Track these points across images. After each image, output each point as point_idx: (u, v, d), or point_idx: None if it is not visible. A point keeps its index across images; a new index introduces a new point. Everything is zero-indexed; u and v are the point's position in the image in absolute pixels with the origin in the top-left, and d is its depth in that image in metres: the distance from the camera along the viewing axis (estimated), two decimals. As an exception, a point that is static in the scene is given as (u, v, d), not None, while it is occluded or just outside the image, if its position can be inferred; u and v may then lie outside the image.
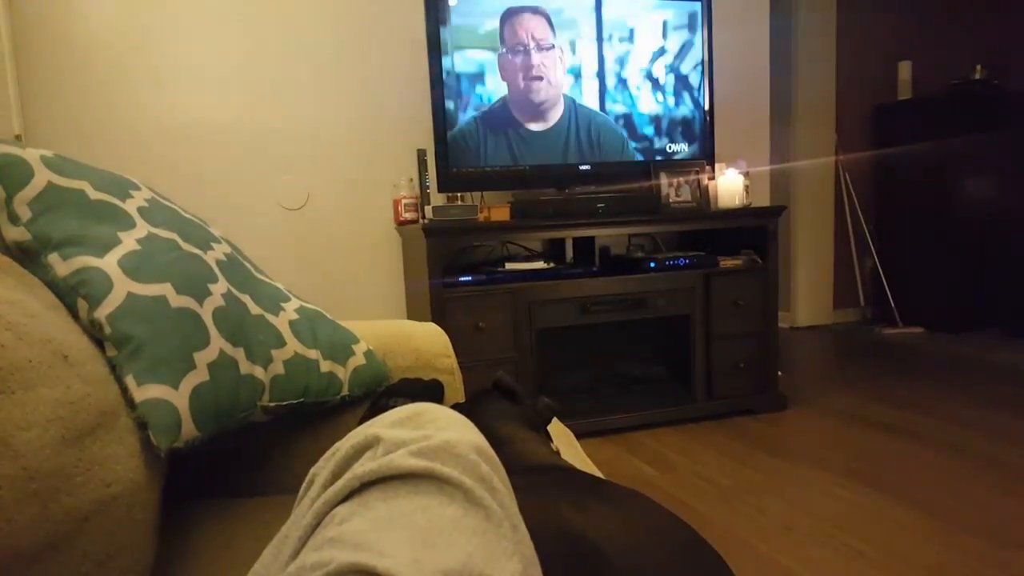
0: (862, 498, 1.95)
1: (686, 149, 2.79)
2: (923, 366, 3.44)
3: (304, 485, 0.52)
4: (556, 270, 2.55)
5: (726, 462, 2.28)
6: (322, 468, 0.50)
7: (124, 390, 0.69)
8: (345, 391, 0.99)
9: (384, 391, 1.02)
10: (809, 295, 4.67)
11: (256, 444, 1.01)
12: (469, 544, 0.41)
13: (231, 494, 0.98)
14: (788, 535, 1.76)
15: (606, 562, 0.51)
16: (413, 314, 2.70)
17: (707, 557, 0.60)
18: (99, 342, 0.72)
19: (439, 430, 0.48)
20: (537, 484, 0.67)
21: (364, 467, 0.46)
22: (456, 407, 1.00)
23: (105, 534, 0.57)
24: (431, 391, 1.06)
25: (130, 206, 0.85)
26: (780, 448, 2.41)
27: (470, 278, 2.40)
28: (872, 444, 2.39)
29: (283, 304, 0.98)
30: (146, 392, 0.70)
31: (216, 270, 0.89)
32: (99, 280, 0.77)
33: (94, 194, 0.81)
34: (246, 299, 0.92)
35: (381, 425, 0.50)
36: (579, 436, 2.58)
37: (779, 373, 2.81)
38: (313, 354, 0.94)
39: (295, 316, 0.97)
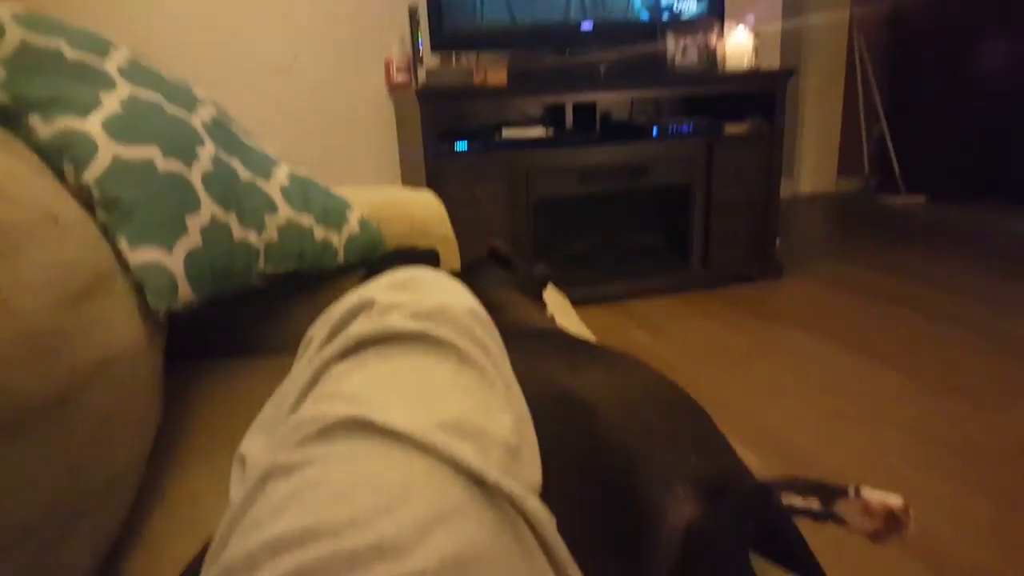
0: (850, 362, 2.01)
1: (694, 7, 2.64)
2: (923, 234, 3.45)
3: (302, 345, 0.53)
4: (555, 137, 2.49)
5: (719, 328, 2.34)
6: (319, 329, 0.51)
7: (118, 253, 0.70)
8: (341, 258, 0.99)
9: (379, 259, 1.02)
10: (813, 161, 4.60)
11: (256, 307, 1.02)
12: (464, 400, 0.42)
13: (233, 354, 1.01)
14: (775, 397, 1.83)
15: (596, 419, 0.53)
16: (407, 184, 2.66)
17: (694, 415, 0.62)
18: (89, 206, 0.71)
19: (433, 293, 0.49)
20: (531, 348, 0.68)
21: (360, 327, 0.46)
22: (451, 274, 1.01)
23: (110, 392, 0.58)
24: (426, 260, 1.06)
25: (110, 66, 0.81)
26: (773, 315, 2.46)
27: (466, 146, 2.35)
28: (865, 311, 2.43)
29: (273, 169, 0.96)
30: (140, 255, 0.70)
31: (203, 133, 0.87)
32: (84, 143, 0.75)
33: (71, 53, 0.77)
34: (235, 163, 0.90)
35: (376, 288, 0.50)
36: (575, 304, 2.62)
37: (777, 241, 2.82)
38: (307, 220, 0.94)
39: (286, 182, 0.95)
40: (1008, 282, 2.63)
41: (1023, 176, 4.09)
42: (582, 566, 0.40)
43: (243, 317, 1.03)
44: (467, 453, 0.37)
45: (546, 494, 0.44)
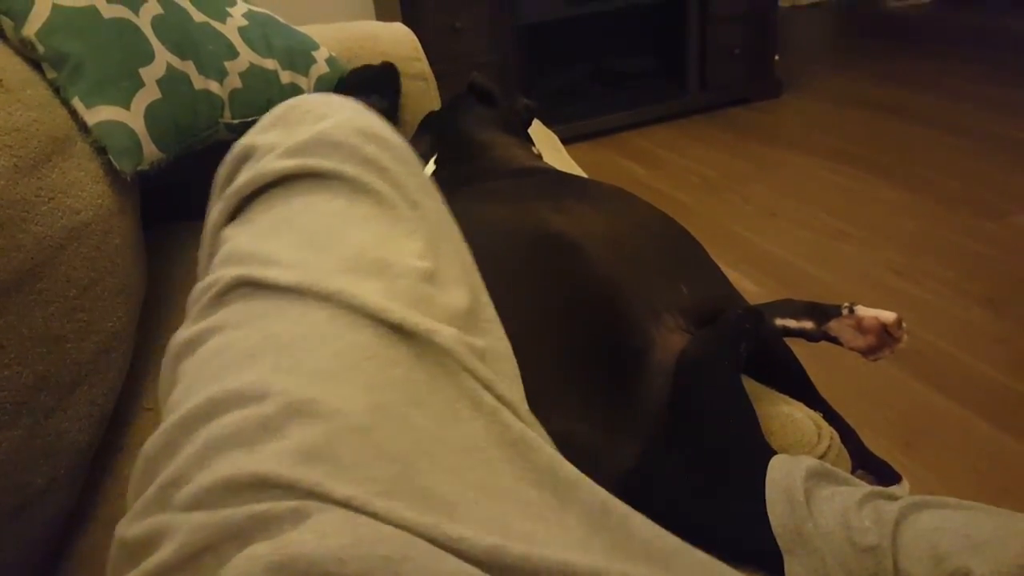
0: (850, 180, 1.99)
1: None
2: (928, 40, 3.28)
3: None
4: (538, -45, 2.30)
5: (715, 154, 2.29)
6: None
7: (73, 113, 0.66)
8: (313, 103, 0.94)
9: (336, 86, 0.95)
10: (815, -32, 4.29)
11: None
12: (360, 234, 0.39)
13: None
14: (772, 220, 1.82)
15: (584, 256, 0.52)
16: (382, 16, 2.49)
17: (685, 245, 0.61)
18: (36, 64, 0.67)
19: (316, 120, 0.43)
20: (517, 188, 0.66)
21: (238, 182, 0.42)
22: (431, 115, 0.96)
23: (84, 260, 0.57)
24: (385, 76, 0.99)
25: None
26: (771, 136, 2.39)
27: (442, -29, 2.17)
28: (867, 126, 2.36)
29: (228, 9, 0.88)
30: (97, 114, 0.67)
31: None
32: None
33: None
34: (185, 4, 0.83)
35: (255, 132, 0.45)
36: (567, 141, 2.55)
37: (776, 57, 2.69)
38: (270, 64, 0.88)
39: (244, 22, 0.88)
40: (1014, 86, 2.53)
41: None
42: (574, 405, 0.41)
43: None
44: (368, 294, 0.35)
45: (532, 337, 0.44)
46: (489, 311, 0.42)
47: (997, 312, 1.36)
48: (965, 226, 1.66)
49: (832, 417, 0.56)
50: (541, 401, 0.39)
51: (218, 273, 0.37)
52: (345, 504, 0.28)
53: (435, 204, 0.44)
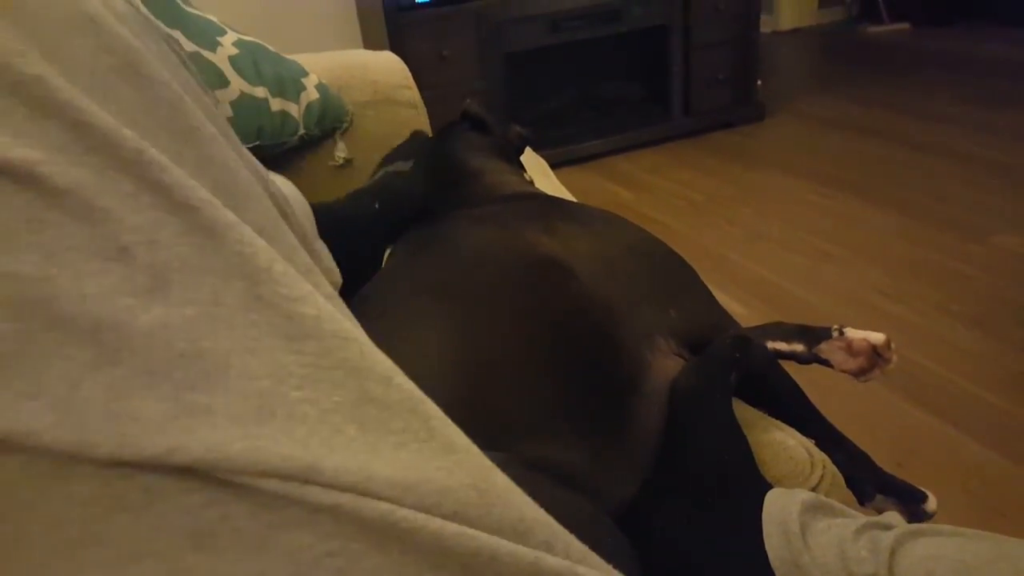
0: (835, 203, 2.01)
1: None
2: (909, 64, 3.34)
3: None
4: (523, -16, 2.33)
5: (701, 178, 2.31)
6: None
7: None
8: (302, 130, 0.94)
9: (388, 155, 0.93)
10: (794, -5, 4.38)
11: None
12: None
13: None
14: (758, 243, 1.84)
15: (574, 280, 0.52)
16: (369, 45, 2.52)
17: (675, 268, 0.61)
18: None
19: None
20: (508, 212, 0.66)
21: None
22: (423, 142, 0.96)
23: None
24: (414, 144, 0.97)
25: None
26: (756, 160, 2.42)
27: (429, -1, 2.20)
28: (850, 149, 2.40)
29: (219, 38, 0.89)
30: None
31: (137, 3, 0.80)
32: None
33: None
34: (177, 34, 0.84)
35: None
36: (555, 166, 2.56)
37: (759, 82, 2.73)
38: (261, 92, 0.88)
39: (235, 51, 0.89)
40: (993, 108, 2.58)
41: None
42: (568, 432, 0.40)
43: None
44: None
45: (524, 362, 0.44)
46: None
47: (984, 332, 1.37)
48: (950, 247, 1.68)
49: (839, 441, 0.56)
50: (535, 428, 0.39)
51: None
52: None
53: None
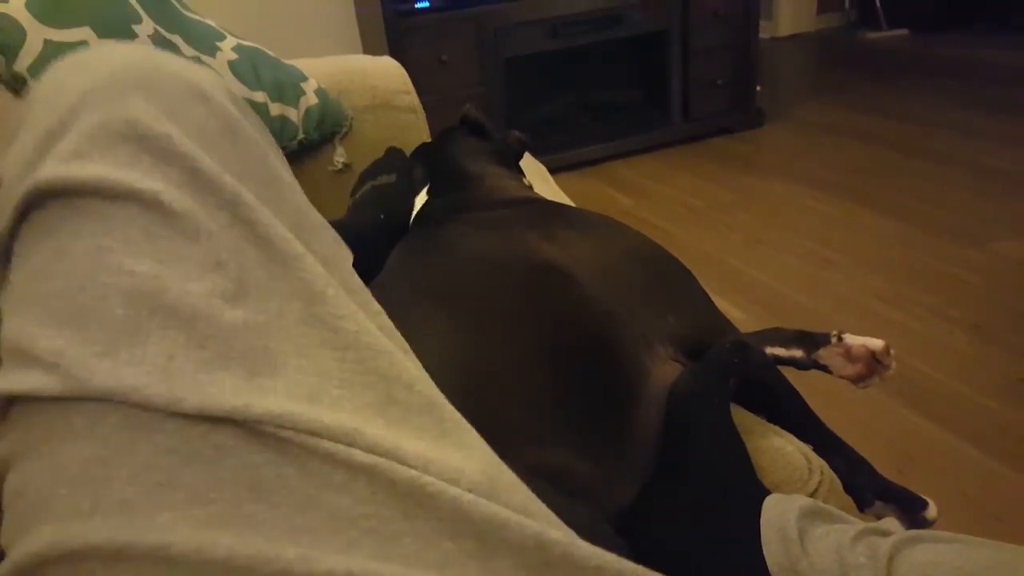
0: (833, 208, 2.01)
1: None
2: (907, 70, 3.35)
3: None
4: (522, -11, 2.33)
5: (700, 184, 2.31)
6: None
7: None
8: (301, 135, 0.94)
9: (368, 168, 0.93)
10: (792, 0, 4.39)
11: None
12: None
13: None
14: (757, 248, 1.84)
15: (575, 285, 0.52)
16: (368, 50, 2.52)
17: (675, 273, 0.61)
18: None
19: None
20: (507, 218, 0.66)
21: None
22: (421, 147, 0.96)
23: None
24: (391, 158, 0.96)
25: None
26: (754, 165, 2.43)
27: (428, 3, 2.20)
28: (848, 154, 2.40)
29: (218, 43, 0.89)
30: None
31: (139, 8, 0.82)
32: (8, 27, 0.71)
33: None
34: (177, 40, 0.84)
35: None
36: (554, 171, 2.56)
37: (758, 88, 2.74)
38: (259, 97, 0.88)
39: (234, 56, 0.89)
40: (993, 114, 2.58)
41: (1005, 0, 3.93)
42: (568, 438, 0.40)
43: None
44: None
45: (524, 367, 0.44)
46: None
47: (982, 338, 1.37)
48: (948, 253, 1.69)
49: (838, 447, 0.56)
50: (534, 434, 0.39)
51: None
52: None
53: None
